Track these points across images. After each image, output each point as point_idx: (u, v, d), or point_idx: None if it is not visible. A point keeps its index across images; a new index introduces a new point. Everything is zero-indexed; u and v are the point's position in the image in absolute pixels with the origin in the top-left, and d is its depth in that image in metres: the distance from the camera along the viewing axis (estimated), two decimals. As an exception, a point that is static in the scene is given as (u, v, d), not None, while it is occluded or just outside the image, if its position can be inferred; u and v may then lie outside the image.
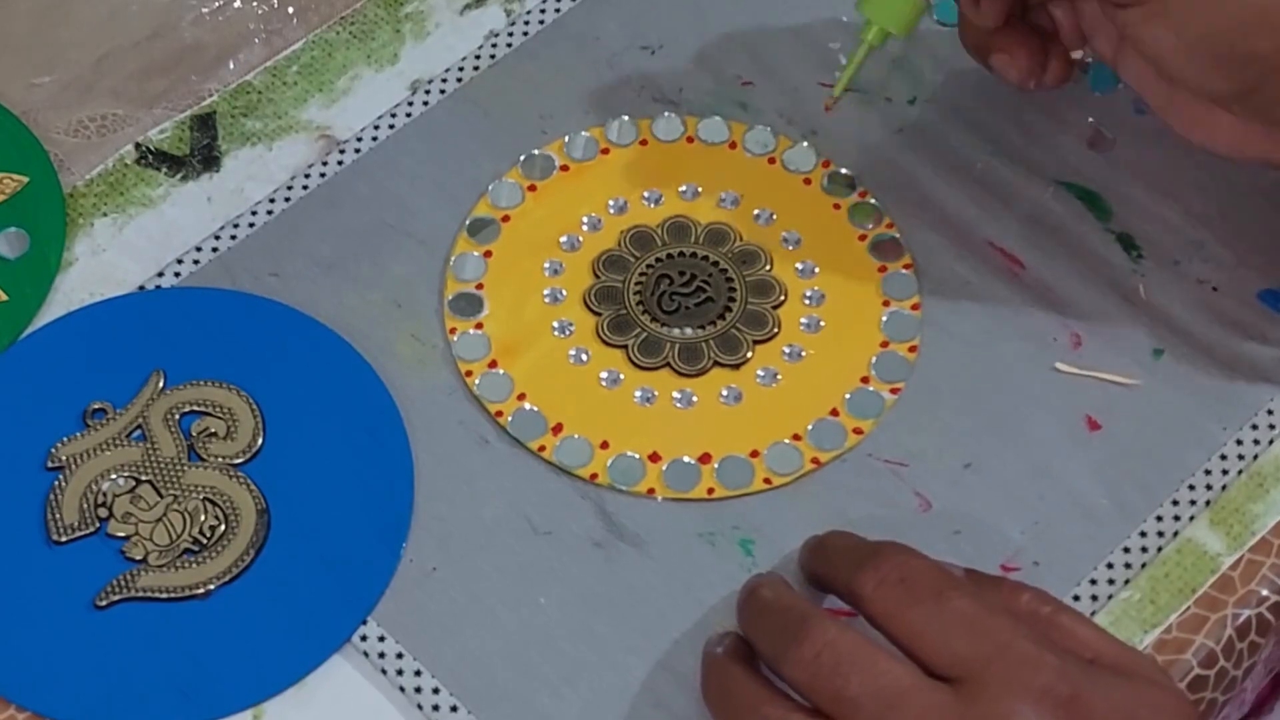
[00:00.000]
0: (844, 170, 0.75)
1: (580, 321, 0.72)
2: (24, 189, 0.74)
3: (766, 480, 0.68)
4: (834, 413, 0.70)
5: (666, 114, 0.76)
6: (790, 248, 0.73)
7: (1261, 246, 0.73)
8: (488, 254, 0.73)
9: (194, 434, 0.69)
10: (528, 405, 0.70)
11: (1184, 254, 0.73)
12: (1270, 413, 0.70)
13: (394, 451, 0.69)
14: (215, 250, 0.74)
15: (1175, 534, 0.68)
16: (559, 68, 0.78)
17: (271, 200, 0.75)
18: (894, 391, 0.70)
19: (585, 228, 0.74)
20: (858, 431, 0.69)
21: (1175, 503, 0.68)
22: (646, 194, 0.75)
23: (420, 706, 0.65)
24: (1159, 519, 0.68)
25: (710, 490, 0.68)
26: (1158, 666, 0.59)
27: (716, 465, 0.69)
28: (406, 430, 0.69)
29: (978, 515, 0.68)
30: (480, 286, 0.72)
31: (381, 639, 0.66)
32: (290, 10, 0.80)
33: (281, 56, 0.79)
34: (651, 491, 0.68)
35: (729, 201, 0.74)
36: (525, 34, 0.79)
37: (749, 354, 0.71)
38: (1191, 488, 0.68)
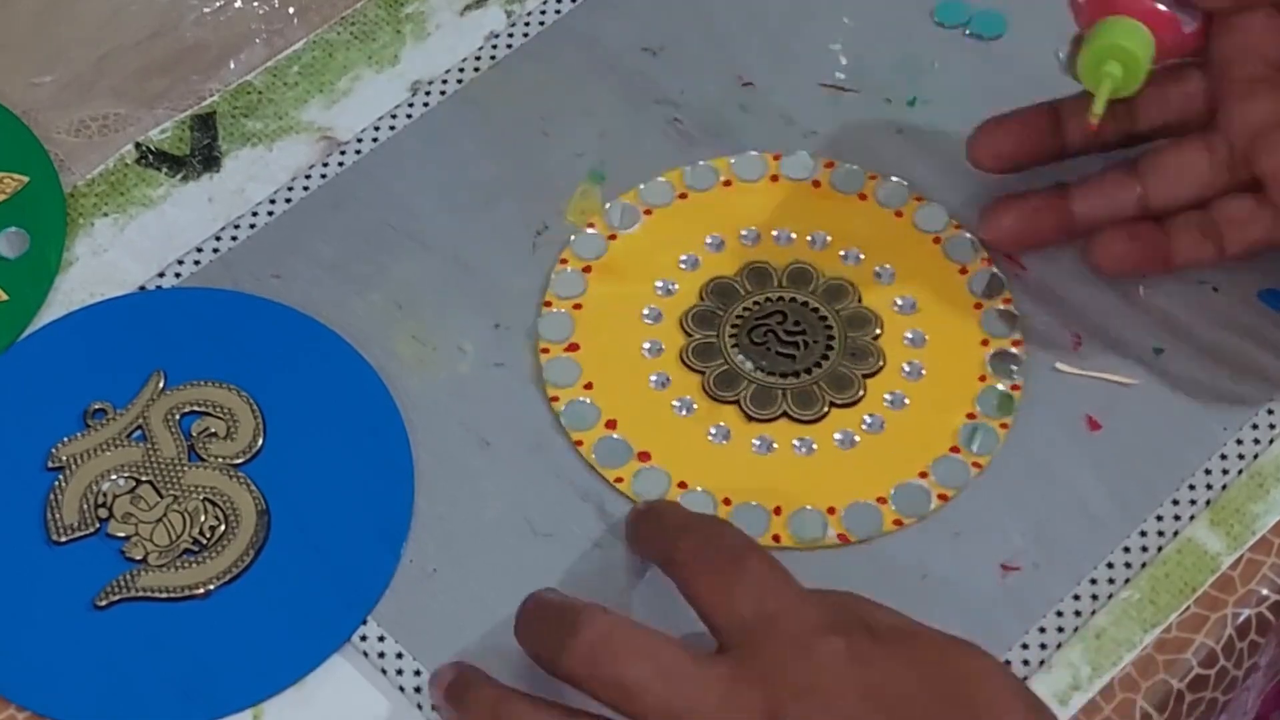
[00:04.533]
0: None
1: (679, 379, 0.71)
2: (24, 189, 0.74)
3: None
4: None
5: (751, 153, 0.75)
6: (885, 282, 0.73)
7: (1262, 246, 0.73)
8: (577, 306, 0.72)
9: (194, 434, 0.69)
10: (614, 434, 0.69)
11: (1184, 254, 0.73)
12: (1270, 412, 0.70)
13: (394, 451, 0.69)
14: (216, 251, 0.74)
15: (1175, 533, 0.68)
16: (560, 69, 0.78)
17: (272, 201, 0.75)
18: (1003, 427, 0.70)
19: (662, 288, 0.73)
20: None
21: (1175, 502, 0.68)
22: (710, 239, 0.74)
23: (420, 707, 0.65)
24: (1159, 519, 0.68)
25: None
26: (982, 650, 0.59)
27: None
28: (406, 430, 0.69)
29: (978, 515, 0.68)
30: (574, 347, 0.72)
31: (381, 639, 0.66)
32: (291, 10, 0.80)
33: (282, 57, 0.79)
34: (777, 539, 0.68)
35: (817, 242, 0.74)
36: (526, 35, 0.79)
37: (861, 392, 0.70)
38: (1192, 487, 0.68)
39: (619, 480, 0.68)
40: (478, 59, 0.79)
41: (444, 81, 0.78)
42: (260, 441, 0.69)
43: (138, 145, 0.76)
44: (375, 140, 0.76)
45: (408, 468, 0.69)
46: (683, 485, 0.68)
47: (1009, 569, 0.67)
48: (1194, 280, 0.73)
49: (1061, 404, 0.70)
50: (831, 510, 0.67)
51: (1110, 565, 0.67)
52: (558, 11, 0.80)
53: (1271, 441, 0.69)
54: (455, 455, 0.69)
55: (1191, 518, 0.68)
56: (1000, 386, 0.70)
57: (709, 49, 0.78)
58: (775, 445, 0.69)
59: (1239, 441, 0.69)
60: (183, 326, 0.72)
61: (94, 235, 0.74)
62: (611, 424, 0.69)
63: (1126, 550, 0.67)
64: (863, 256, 0.73)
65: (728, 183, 0.75)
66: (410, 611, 0.66)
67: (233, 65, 0.78)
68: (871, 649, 0.57)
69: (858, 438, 0.69)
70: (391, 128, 0.77)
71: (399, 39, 0.79)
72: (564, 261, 0.73)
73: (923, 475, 0.68)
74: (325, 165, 0.76)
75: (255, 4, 0.80)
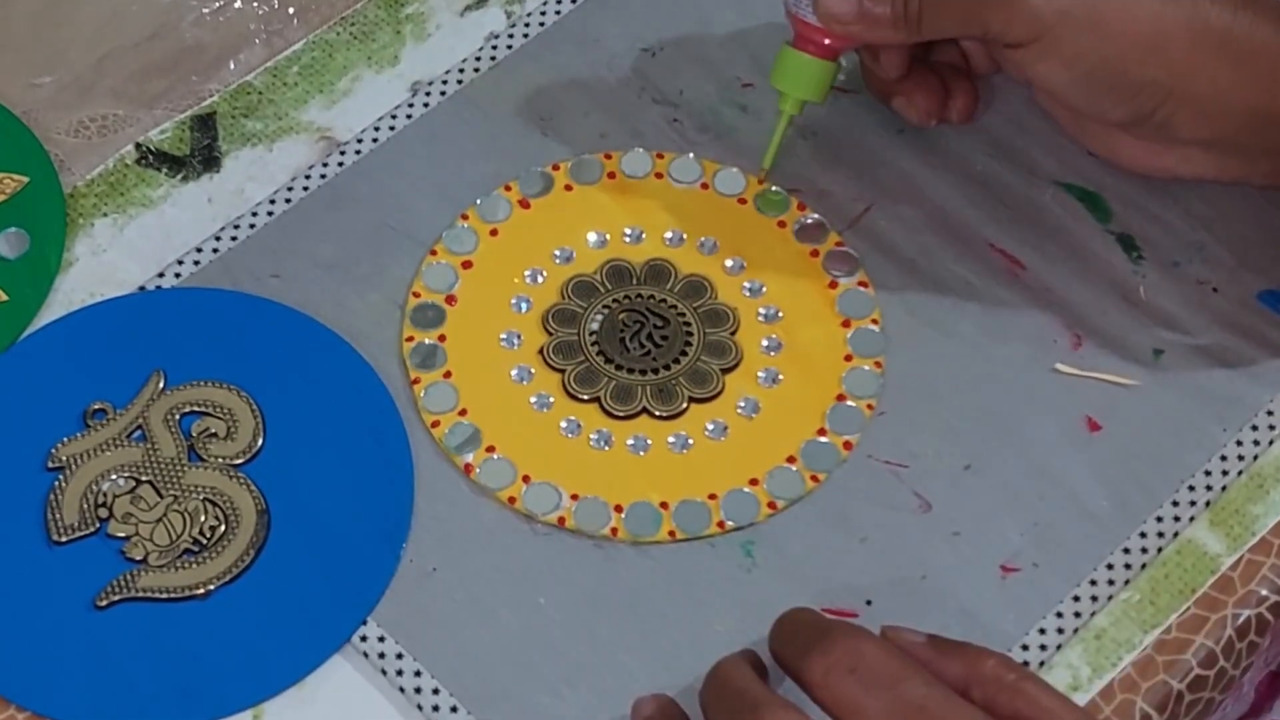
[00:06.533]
0: (775, 188, 0.75)
1: (540, 375, 0.71)
2: (24, 189, 0.74)
3: (771, 505, 0.68)
4: (821, 431, 0.70)
5: (583, 156, 0.76)
6: (736, 273, 0.73)
7: (1261, 247, 0.73)
8: (441, 338, 0.72)
9: (194, 434, 0.69)
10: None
11: (1184, 255, 0.73)
12: (1270, 413, 0.70)
13: (394, 451, 0.69)
14: (216, 251, 0.74)
15: (1175, 534, 0.68)
16: (559, 70, 0.78)
17: (272, 201, 0.75)
18: (870, 407, 0.70)
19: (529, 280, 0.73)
20: (848, 446, 0.69)
21: (1175, 503, 0.68)
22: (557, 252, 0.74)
23: (420, 707, 0.65)
24: (1159, 519, 0.68)
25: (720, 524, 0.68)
26: None
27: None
28: (406, 430, 0.69)
29: (977, 516, 0.68)
30: (448, 375, 0.71)
31: (381, 639, 0.66)
32: (291, 11, 0.80)
33: (282, 57, 0.79)
34: (673, 534, 0.68)
35: (673, 239, 0.74)
36: (526, 36, 0.79)
37: (720, 387, 0.71)
38: (1191, 488, 0.68)
39: (468, 468, 0.69)
40: (478, 59, 0.79)
41: (444, 82, 0.78)
42: (260, 441, 0.69)
43: (137, 146, 0.76)
44: (375, 140, 0.76)
45: (408, 468, 0.69)
46: (527, 479, 0.68)
47: (1009, 570, 0.67)
48: (1194, 281, 0.73)
49: (1061, 404, 0.70)
50: (712, 496, 0.68)
51: (1110, 566, 0.67)
52: (558, 12, 0.80)
53: (1271, 443, 0.69)
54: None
55: (1191, 519, 0.68)
56: (866, 367, 0.71)
57: (709, 49, 0.78)
58: (649, 441, 0.69)
59: (1239, 442, 0.69)
60: (183, 326, 0.72)
61: (94, 235, 0.74)
62: (464, 412, 0.70)
63: (1126, 551, 0.67)
64: (718, 248, 0.73)
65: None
66: (410, 611, 0.66)
67: (232, 65, 0.78)
68: None
69: (729, 427, 0.70)
70: (391, 128, 0.77)
71: (399, 39, 0.79)
72: (434, 254, 0.73)
73: (791, 460, 0.69)
74: (325, 165, 0.76)
75: (255, 4, 0.80)
